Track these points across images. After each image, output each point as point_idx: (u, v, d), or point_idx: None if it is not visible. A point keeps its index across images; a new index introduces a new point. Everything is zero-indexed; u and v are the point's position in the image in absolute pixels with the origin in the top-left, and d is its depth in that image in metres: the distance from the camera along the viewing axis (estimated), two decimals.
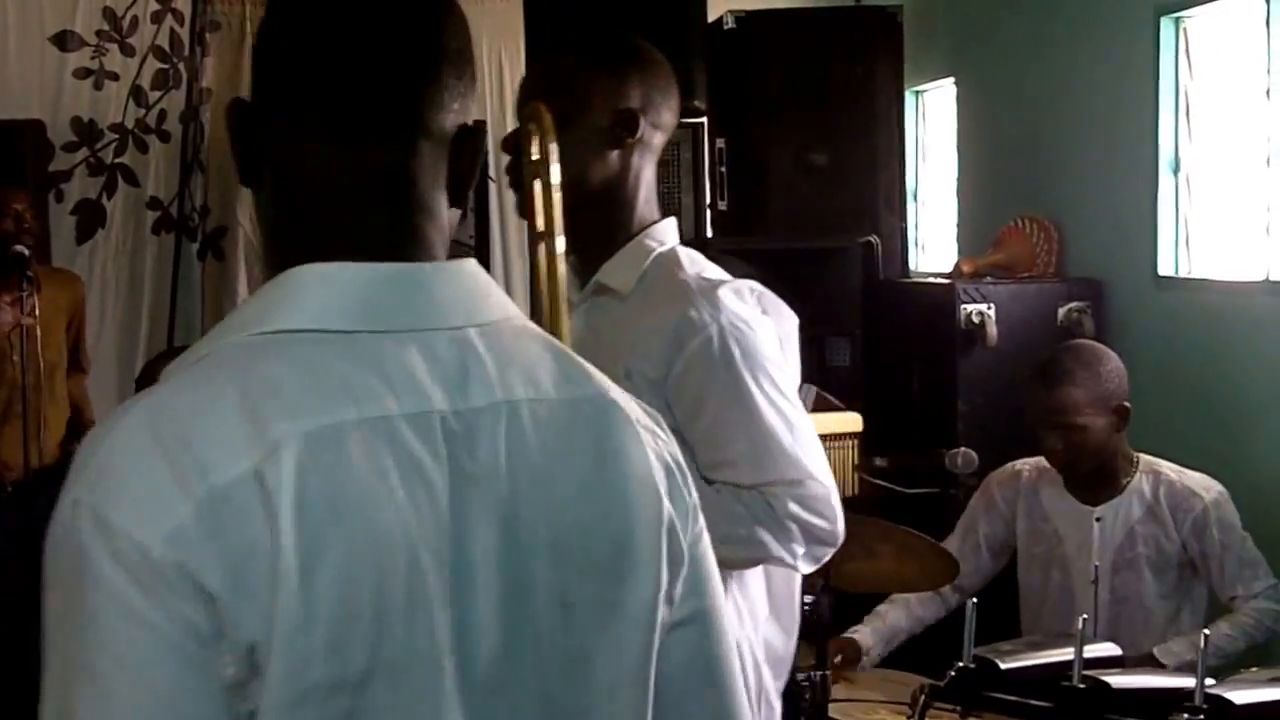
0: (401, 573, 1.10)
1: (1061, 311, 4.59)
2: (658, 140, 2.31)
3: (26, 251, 4.90)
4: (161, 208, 6.36)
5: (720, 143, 5.48)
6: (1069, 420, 3.44)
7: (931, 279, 5.40)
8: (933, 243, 6.37)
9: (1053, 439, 3.49)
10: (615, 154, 2.24)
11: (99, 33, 6.29)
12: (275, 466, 1.07)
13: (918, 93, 6.19)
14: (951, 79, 5.88)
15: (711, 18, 5.37)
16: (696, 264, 2.29)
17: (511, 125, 5.94)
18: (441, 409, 1.15)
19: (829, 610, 3.51)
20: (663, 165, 5.41)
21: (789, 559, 2.18)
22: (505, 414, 1.18)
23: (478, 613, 1.14)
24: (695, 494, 1.30)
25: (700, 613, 1.28)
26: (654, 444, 1.27)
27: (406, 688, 1.10)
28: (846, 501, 4.09)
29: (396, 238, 1.20)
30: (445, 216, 1.25)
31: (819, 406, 4.54)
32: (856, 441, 4.27)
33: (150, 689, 1.04)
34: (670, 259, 2.28)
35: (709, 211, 5.54)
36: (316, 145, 1.20)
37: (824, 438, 4.31)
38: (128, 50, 6.33)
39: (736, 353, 2.14)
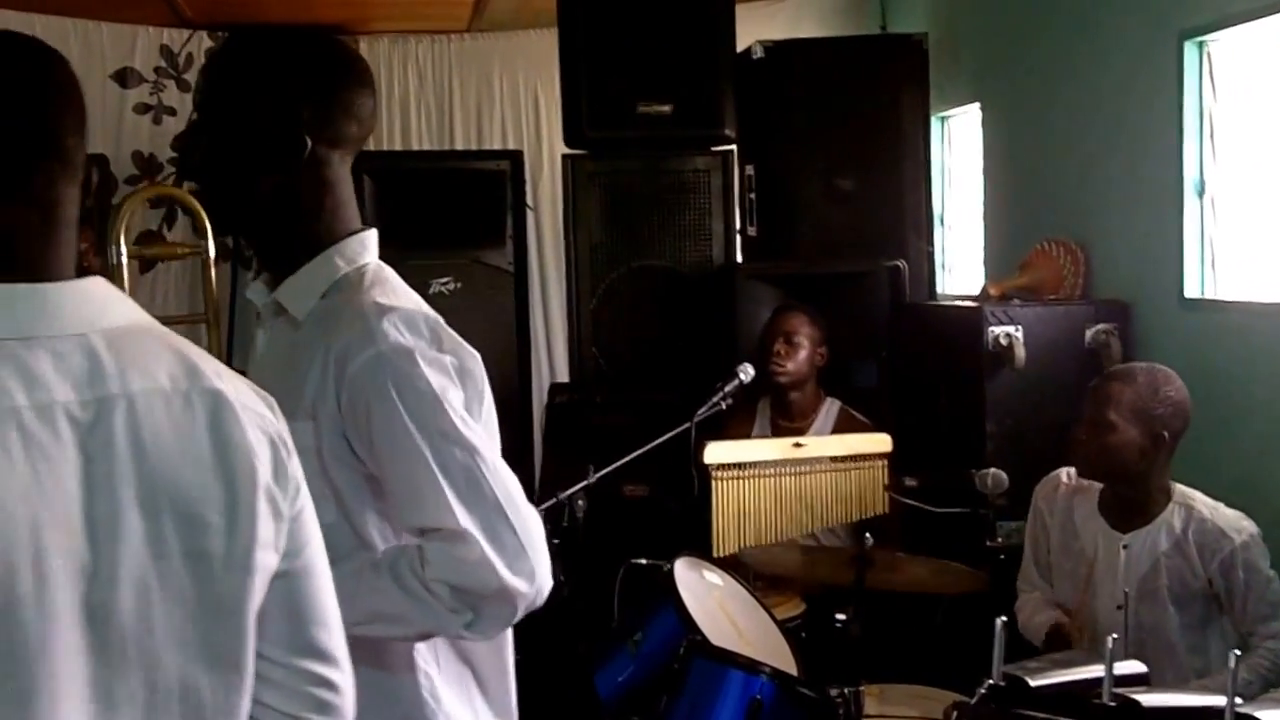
0: (23, 531, 1.26)
1: (1089, 333, 4.39)
2: (339, 154, 2.03)
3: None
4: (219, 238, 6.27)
5: (749, 169, 5.35)
6: (1101, 413, 3.25)
7: (958, 302, 5.22)
8: (959, 266, 6.15)
9: (1081, 428, 3.31)
10: (281, 173, 1.97)
11: (157, 69, 6.24)
12: None
13: (943, 118, 5.98)
14: (977, 104, 5.67)
15: (740, 47, 5.23)
16: (378, 286, 1.99)
17: (550, 156, 5.87)
18: (66, 401, 1.31)
19: (859, 626, 3.38)
20: (691, 192, 5.41)
21: (454, 630, 1.89)
22: (124, 405, 1.34)
23: (111, 568, 1.30)
24: (299, 470, 1.47)
25: (297, 569, 1.46)
26: (259, 423, 1.43)
27: (24, 618, 1.26)
28: (875, 521, 4.09)
29: (38, 264, 1.37)
30: (72, 227, 1.42)
31: (848, 426, 4.46)
32: (886, 462, 4.10)
33: None
34: (353, 280, 2.00)
35: (738, 237, 5.40)
36: None
37: (854, 458, 4.28)
38: (184, 85, 6.26)
39: (392, 385, 1.87)
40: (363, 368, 1.88)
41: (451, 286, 5.19)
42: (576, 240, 5.25)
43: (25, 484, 1.27)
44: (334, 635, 1.52)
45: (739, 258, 5.35)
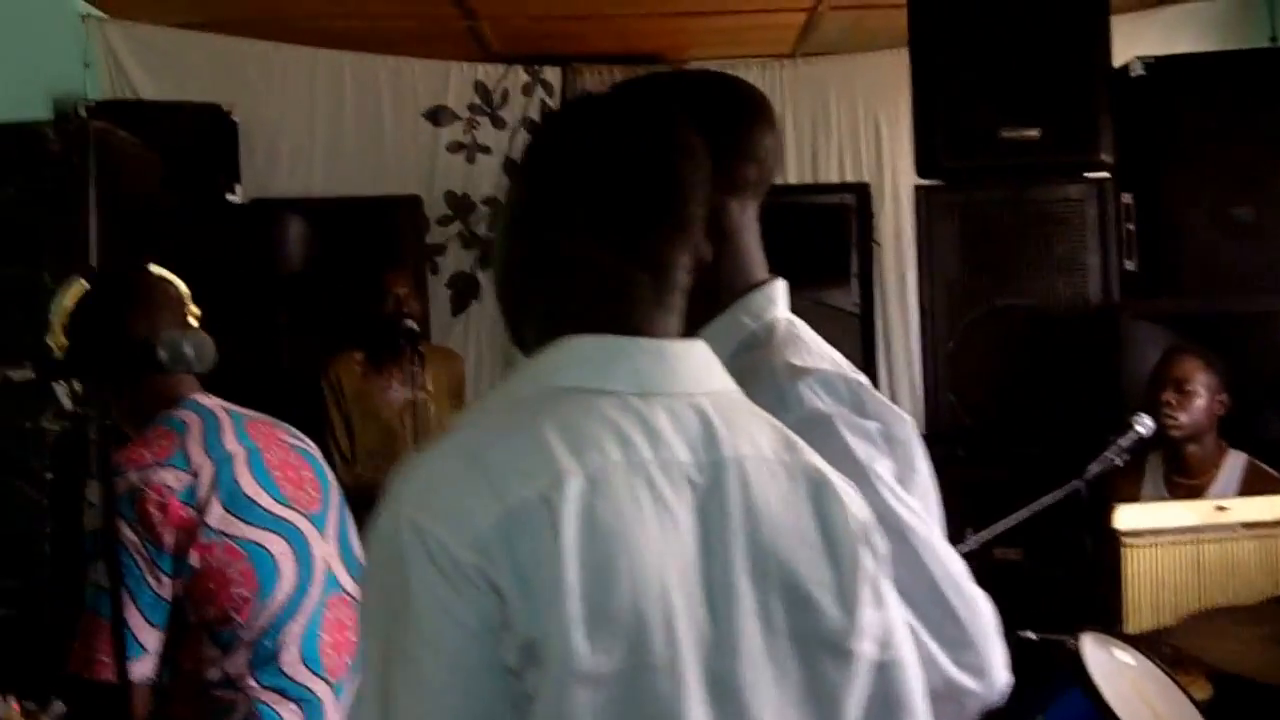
0: (655, 589, 1.26)
1: None
2: (738, 201, 1.83)
3: (417, 328, 4.65)
4: None
5: (1125, 198, 4.92)
6: None
7: None
8: None
9: None
10: None
11: (471, 106, 6.10)
12: (560, 495, 1.25)
13: None
14: None
15: (1117, 64, 4.80)
16: (790, 345, 1.81)
17: (893, 187, 5.54)
18: (685, 461, 1.33)
19: None
20: (1063, 223, 5.00)
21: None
22: (735, 470, 1.34)
23: (731, 638, 1.30)
24: (885, 554, 1.42)
25: (890, 661, 1.40)
26: (855, 506, 1.42)
27: (658, 686, 1.25)
28: None
29: (651, 322, 1.41)
30: (684, 293, 1.45)
31: (1258, 483, 4.05)
32: None
33: (454, 668, 1.23)
34: (762, 339, 1.82)
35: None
36: (601, 253, 1.40)
37: (1260, 525, 3.85)
38: (499, 123, 6.11)
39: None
40: None
41: None
42: (932, 278, 4.90)
43: (656, 541, 1.28)
44: None
45: (1117, 295, 4.90)
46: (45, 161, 4.05)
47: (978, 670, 1.66)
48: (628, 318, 1.40)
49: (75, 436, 3.93)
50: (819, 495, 1.39)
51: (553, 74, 6.13)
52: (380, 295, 4.73)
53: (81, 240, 4.01)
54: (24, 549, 4.01)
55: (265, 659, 2.43)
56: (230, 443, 2.51)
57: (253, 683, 2.42)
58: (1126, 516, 3.67)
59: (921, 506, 1.73)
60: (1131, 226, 4.85)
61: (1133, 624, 3.61)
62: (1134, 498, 4.12)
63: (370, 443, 4.73)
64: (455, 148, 6.09)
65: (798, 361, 1.76)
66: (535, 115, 6.09)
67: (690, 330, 1.81)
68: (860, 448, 1.70)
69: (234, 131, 5.56)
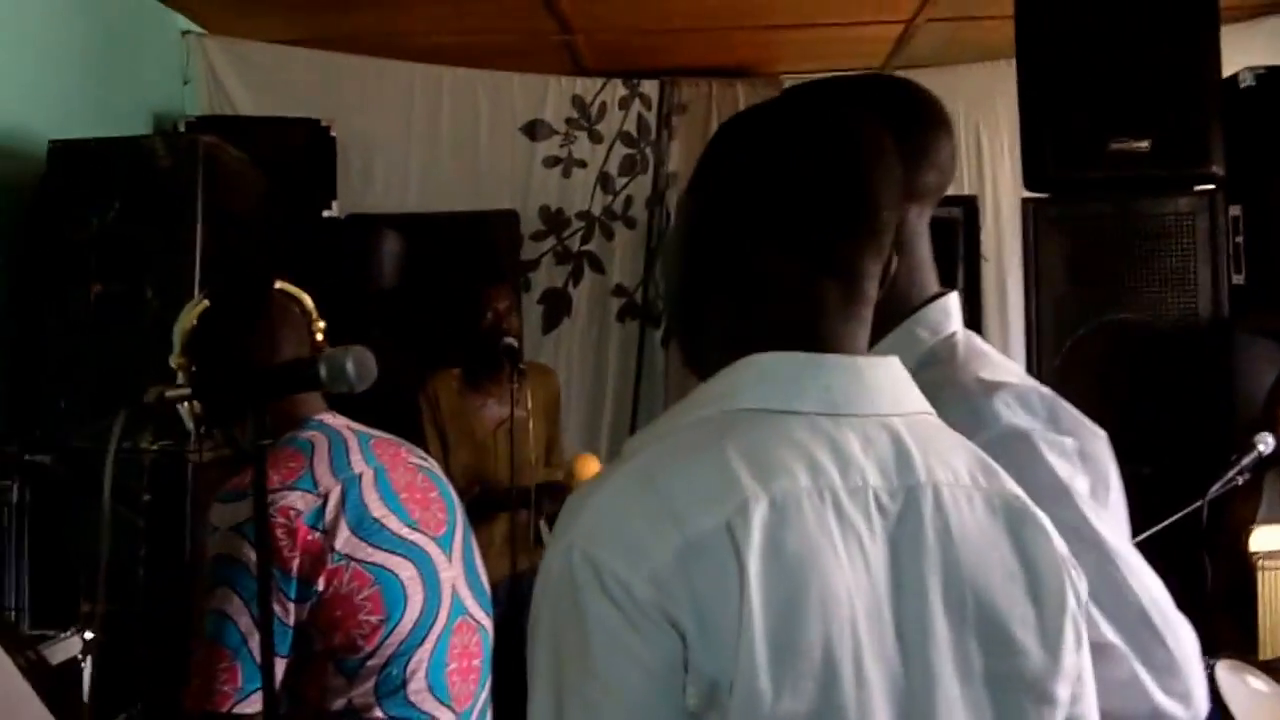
0: (846, 626, 1.18)
1: None
2: (916, 208, 1.75)
3: (516, 344, 4.60)
4: (626, 294, 6.04)
5: (1235, 210, 4.81)
6: None
7: None
8: None
9: None
10: None
11: (568, 120, 6.06)
12: (744, 522, 1.17)
13: None
14: None
15: (1226, 74, 4.71)
16: (976, 359, 1.72)
17: (995, 201, 5.45)
18: (876, 486, 1.25)
19: None
20: (1172, 237, 4.90)
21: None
22: (931, 496, 1.26)
23: (924, 682, 1.21)
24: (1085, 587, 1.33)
25: (1080, 713, 1.31)
26: (1056, 538, 1.33)
27: None
28: None
29: (841, 337, 1.33)
30: (872, 306, 1.36)
31: None
32: None
33: (633, 713, 1.15)
34: (943, 355, 1.73)
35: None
36: (789, 263, 1.32)
37: None
38: (596, 137, 6.07)
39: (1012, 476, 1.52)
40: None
41: None
42: (1039, 293, 4.79)
43: (845, 572, 1.20)
44: None
45: (1226, 312, 4.79)
46: (152, 177, 4.07)
47: (1184, 697, 1.59)
48: (817, 332, 1.32)
49: (175, 459, 3.92)
50: (1019, 525, 1.31)
51: (650, 87, 6.09)
52: (479, 311, 4.70)
53: (188, 257, 4.02)
54: (120, 573, 4.00)
55: (392, 688, 2.34)
56: (357, 463, 2.43)
57: (379, 713, 2.33)
58: (1262, 538, 3.59)
59: (1115, 523, 1.66)
60: (1240, 240, 4.74)
61: (1269, 649, 3.51)
62: (1251, 518, 4.01)
63: (463, 459, 4.69)
64: (551, 162, 6.06)
65: (988, 376, 1.68)
66: (632, 129, 6.06)
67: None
68: (1060, 465, 1.62)
69: (332, 147, 5.59)
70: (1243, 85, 4.70)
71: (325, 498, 2.33)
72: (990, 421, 1.61)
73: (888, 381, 1.33)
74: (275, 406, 2.41)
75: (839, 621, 1.18)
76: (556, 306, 6.06)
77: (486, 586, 2.56)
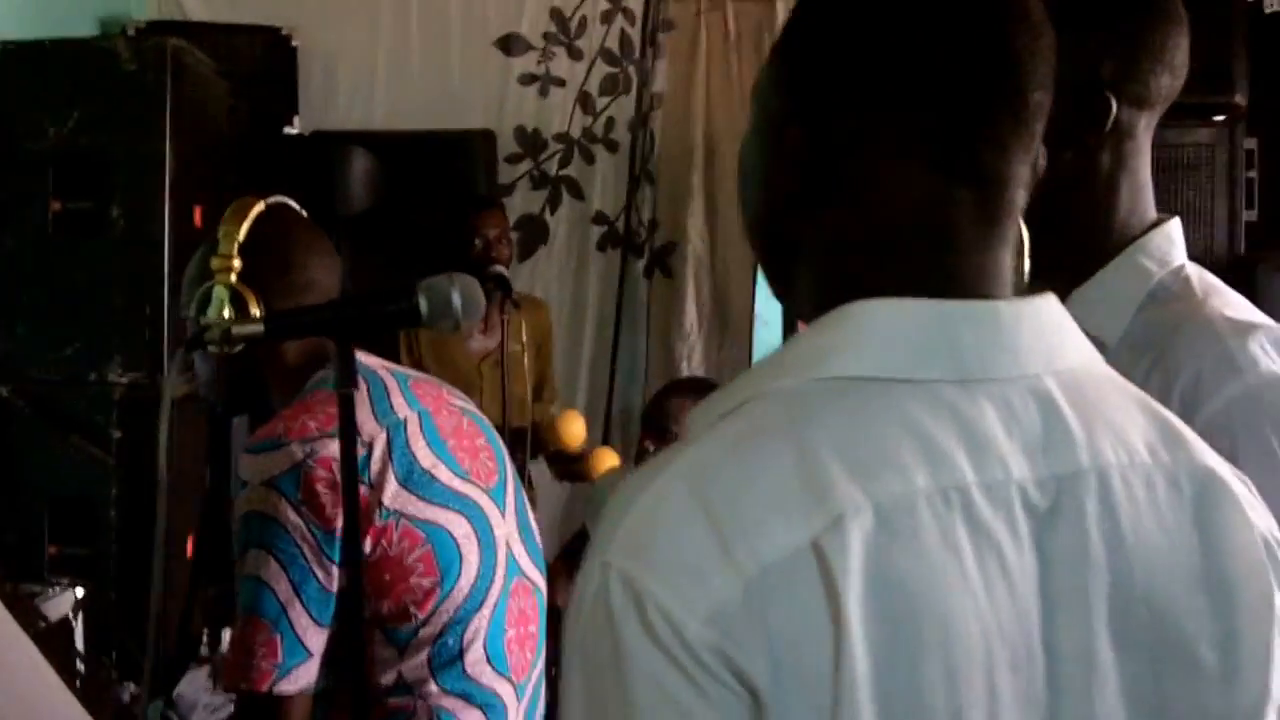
0: (979, 672, 0.92)
1: None
2: (1146, 118, 1.57)
3: (506, 272, 4.40)
4: (607, 222, 5.80)
5: (1250, 143, 4.68)
6: None
7: None
8: None
9: None
10: (1073, 149, 1.51)
11: (546, 35, 5.78)
12: (839, 540, 0.90)
13: None
14: None
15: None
16: (1215, 295, 1.54)
17: None
18: (1021, 478, 0.97)
19: None
20: (1190, 168, 4.78)
21: None
22: (1095, 485, 0.99)
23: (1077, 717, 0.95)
24: None
25: None
26: (1258, 521, 1.05)
27: None
28: None
29: (976, 271, 1.03)
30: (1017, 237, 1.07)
31: None
32: None
33: None
34: (1176, 290, 1.55)
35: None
36: (904, 165, 1.02)
37: None
38: (575, 54, 5.78)
39: (1270, 429, 1.42)
40: (1228, 405, 1.43)
41: None
42: None
43: (977, 599, 0.93)
44: None
45: (1242, 248, 4.68)
46: (116, 83, 3.83)
47: None
48: (944, 265, 1.02)
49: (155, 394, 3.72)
50: (1207, 511, 1.03)
51: (635, 1, 5.83)
52: (467, 238, 4.49)
53: (158, 172, 3.79)
54: (88, 514, 3.81)
55: (448, 660, 2.11)
56: (400, 407, 2.17)
57: (434, 688, 2.10)
58: None
59: None
60: (1252, 174, 4.63)
61: None
62: None
63: None
64: (527, 80, 5.79)
65: (1235, 315, 1.49)
66: (615, 46, 5.79)
67: (1075, 281, 1.55)
68: None
69: (293, 57, 5.35)
70: (1268, 10, 4.59)
71: (370, 446, 2.08)
72: (1247, 367, 1.44)
73: (1040, 330, 1.03)
74: (302, 344, 2.18)
75: (969, 667, 0.92)
76: (533, 234, 5.82)
77: (539, 542, 2.35)
